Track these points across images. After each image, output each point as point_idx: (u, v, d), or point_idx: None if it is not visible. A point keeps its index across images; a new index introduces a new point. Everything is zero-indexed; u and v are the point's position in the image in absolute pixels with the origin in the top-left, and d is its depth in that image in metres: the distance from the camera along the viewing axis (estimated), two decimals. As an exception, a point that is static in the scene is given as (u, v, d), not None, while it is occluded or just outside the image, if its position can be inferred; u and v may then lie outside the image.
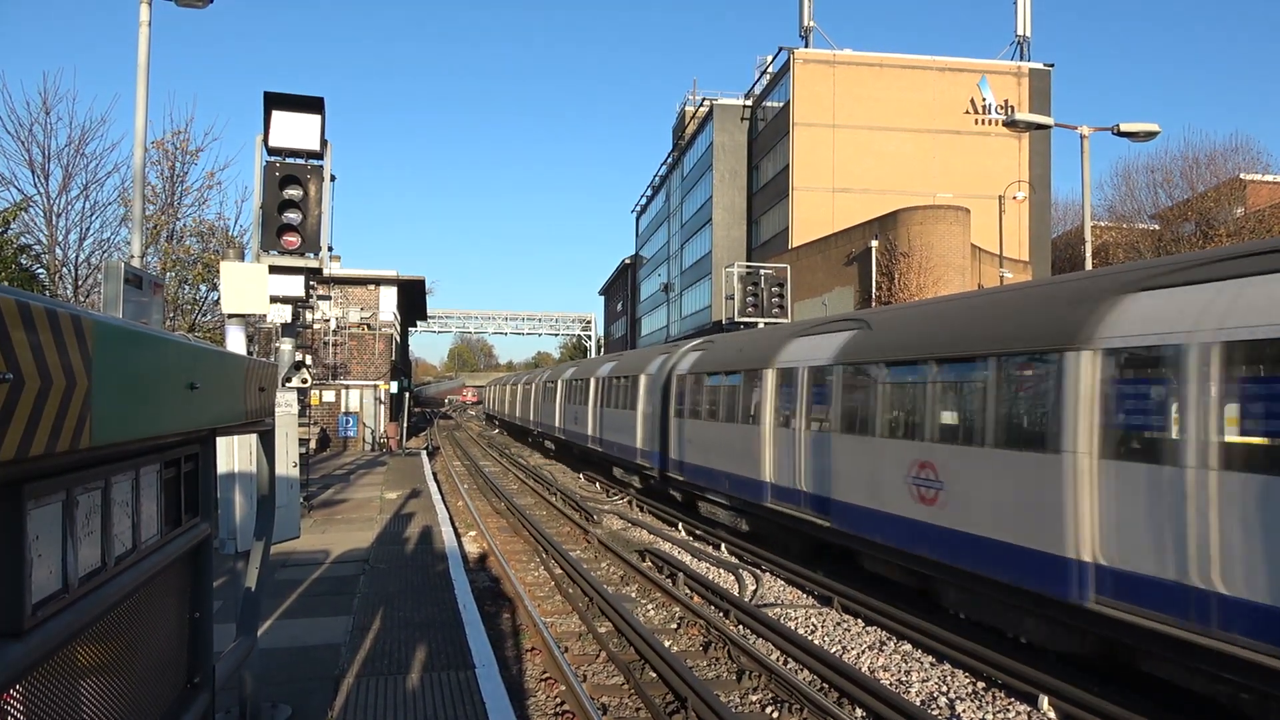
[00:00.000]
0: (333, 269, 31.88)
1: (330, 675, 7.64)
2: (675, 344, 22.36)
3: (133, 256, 13.11)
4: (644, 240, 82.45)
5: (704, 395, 17.42)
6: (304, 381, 11.42)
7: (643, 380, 21.35)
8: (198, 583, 2.61)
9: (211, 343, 10.00)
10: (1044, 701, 7.69)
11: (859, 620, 10.70)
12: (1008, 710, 7.76)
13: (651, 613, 11.35)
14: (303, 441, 18.60)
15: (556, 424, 33.30)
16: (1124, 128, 18.55)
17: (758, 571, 13.39)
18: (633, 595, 12.31)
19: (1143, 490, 6.89)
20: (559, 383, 33.60)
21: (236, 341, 7.77)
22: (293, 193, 8.36)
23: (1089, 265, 19.23)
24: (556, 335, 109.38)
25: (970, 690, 8.28)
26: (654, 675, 8.63)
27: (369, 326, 39.75)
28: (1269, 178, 40.20)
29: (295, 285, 8.68)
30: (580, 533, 17.18)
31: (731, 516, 16.03)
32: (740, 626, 10.45)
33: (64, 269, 19.82)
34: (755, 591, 12.31)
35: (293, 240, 8.38)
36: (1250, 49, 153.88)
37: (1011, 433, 8.75)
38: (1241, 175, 39.30)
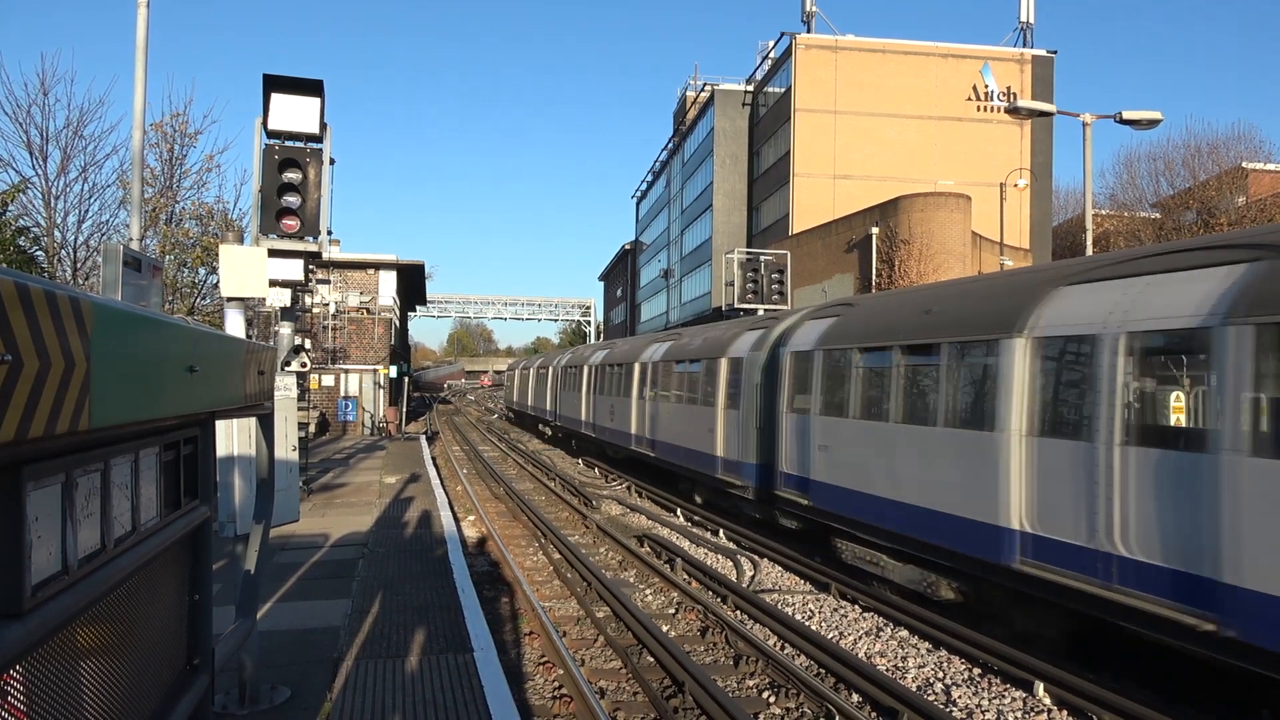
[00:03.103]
0: (332, 253, 31.80)
1: (329, 658, 7.67)
2: None
3: (131, 239, 13.06)
4: (644, 226, 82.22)
5: None
6: (303, 365, 11.43)
7: None
8: (197, 565, 2.62)
9: (211, 326, 9.99)
10: (1039, 688, 7.74)
11: (856, 606, 10.75)
12: (1003, 696, 7.81)
13: (649, 598, 11.40)
14: (302, 425, 18.61)
15: (918, 500, 9.88)
16: (1126, 115, 18.48)
17: (755, 557, 13.43)
18: (631, 580, 12.36)
19: None
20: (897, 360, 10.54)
21: (236, 325, 7.77)
22: (292, 176, 8.33)
23: (1089, 253, 19.15)
24: (556, 321, 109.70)
25: (966, 676, 8.33)
26: (652, 660, 8.68)
27: (368, 311, 39.71)
28: (1271, 166, 40.05)
29: (294, 269, 8.67)
30: (579, 518, 17.23)
31: None
32: (738, 612, 10.49)
33: (62, 251, 19.75)
34: (753, 577, 12.36)
35: (292, 224, 8.36)
36: (1253, 38, 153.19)
37: None
38: (1243, 164, 39.16)
